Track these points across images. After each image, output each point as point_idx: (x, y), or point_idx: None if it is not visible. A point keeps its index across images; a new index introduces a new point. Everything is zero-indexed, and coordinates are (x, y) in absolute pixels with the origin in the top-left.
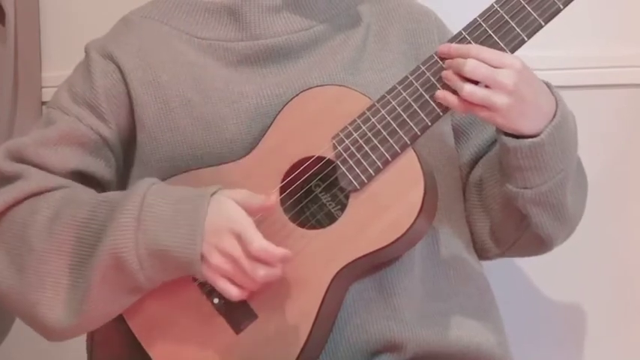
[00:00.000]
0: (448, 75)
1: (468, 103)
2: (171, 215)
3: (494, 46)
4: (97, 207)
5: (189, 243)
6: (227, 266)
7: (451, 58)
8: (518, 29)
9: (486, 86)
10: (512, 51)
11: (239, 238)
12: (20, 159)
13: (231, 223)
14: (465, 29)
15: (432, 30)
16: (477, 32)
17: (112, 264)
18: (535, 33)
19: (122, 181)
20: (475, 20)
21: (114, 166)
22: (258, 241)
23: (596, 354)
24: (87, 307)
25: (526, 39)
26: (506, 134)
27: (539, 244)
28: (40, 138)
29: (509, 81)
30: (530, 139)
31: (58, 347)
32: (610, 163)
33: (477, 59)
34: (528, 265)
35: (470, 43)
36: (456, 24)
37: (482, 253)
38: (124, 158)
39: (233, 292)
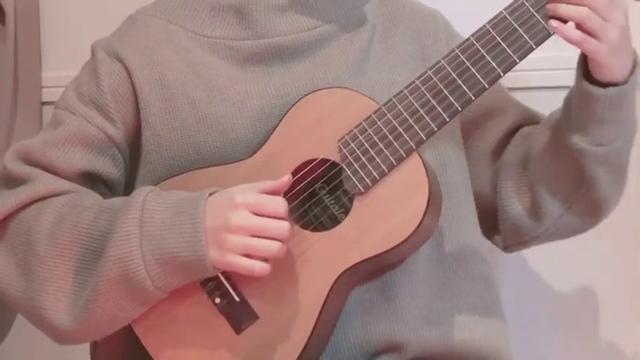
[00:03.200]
0: (551, 6)
1: (584, 34)
2: (172, 219)
3: (502, 52)
4: (100, 214)
5: (194, 241)
6: (245, 240)
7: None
8: (526, 37)
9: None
10: (520, 59)
11: (248, 206)
12: (29, 161)
13: (234, 200)
14: (472, 35)
15: (438, 30)
16: (484, 38)
17: (119, 272)
18: (544, 41)
19: (130, 181)
20: (483, 26)
21: (121, 165)
22: (268, 196)
23: (599, 352)
24: (91, 313)
25: (534, 47)
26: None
27: (590, 215)
28: (48, 139)
29: (621, 19)
30: (617, 87)
31: (59, 346)
32: None
33: None
34: (533, 261)
35: (478, 49)
36: (458, 25)
37: (520, 237)
38: (132, 157)
39: (259, 267)
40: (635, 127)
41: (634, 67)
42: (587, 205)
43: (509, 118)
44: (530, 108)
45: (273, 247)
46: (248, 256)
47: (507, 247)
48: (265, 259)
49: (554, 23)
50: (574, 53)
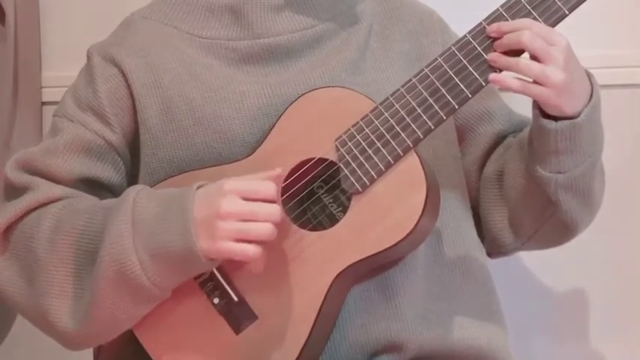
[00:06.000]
0: (494, 57)
1: (524, 81)
2: (162, 213)
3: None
4: (93, 215)
5: (184, 232)
6: (236, 225)
7: (501, 35)
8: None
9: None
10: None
11: (238, 192)
12: (29, 170)
13: (223, 187)
14: (469, 32)
15: (435, 30)
16: (481, 36)
17: (115, 271)
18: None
19: (131, 184)
20: (480, 24)
21: (122, 169)
22: (255, 180)
23: (597, 352)
24: (93, 316)
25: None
26: (544, 117)
27: (563, 233)
28: (47, 147)
29: (561, 56)
30: (569, 120)
31: (59, 346)
32: (610, 163)
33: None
34: (530, 261)
35: (475, 46)
36: (456, 23)
37: (499, 248)
38: (132, 161)
39: (252, 250)
40: (598, 153)
41: (591, 96)
42: (557, 225)
43: (497, 126)
44: (518, 114)
45: (265, 229)
46: (241, 241)
47: (489, 255)
48: (257, 243)
49: (492, 76)
50: (582, 53)
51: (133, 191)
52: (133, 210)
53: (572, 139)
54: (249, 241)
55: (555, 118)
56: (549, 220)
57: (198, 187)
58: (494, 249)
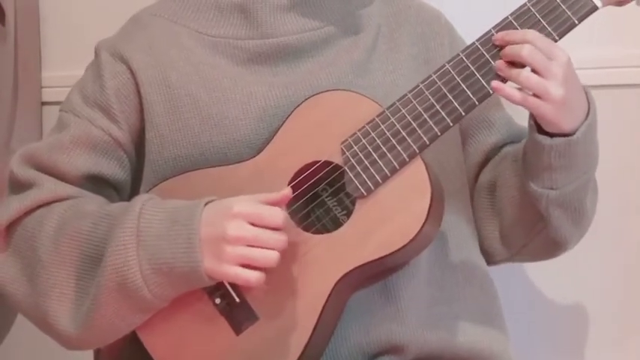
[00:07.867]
0: (500, 65)
1: (524, 94)
2: (167, 228)
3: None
4: (99, 221)
5: (189, 252)
6: (242, 250)
7: (505, 44)
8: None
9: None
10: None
11: (246, 216)
12: (35, 165)
13: (232, 210)
14: (477, 40)
15: (442, 33)
16: (490, 43)
17: (117, 282)
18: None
19: (136, 182)
20: (489, 31)
21: (127, 166)
22: (267, 207)
23: (597, 358)
24: (93, 321)
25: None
26: (539, 132)
27: (552, 248)
28: (53, 142)
29: (560, 72)
30: (565, 138)
31: (59, 346)
32: (610, 164)
33: (533, 45)
34: (531, 267)
35: (483, 54)
36: (461, 26)
37: (489, 258)
38: (137, 158)
39: (255, 277)
40: (591, 170)
41: (588, 114)
42: (547, 240)
43: (495, 135)
44: (518, 125)
45: (270, 256)
46: (245, 266)
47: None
48: (261, 269)
49: (495, 84)
50: (573, 55)
51: (139, 201)
52: (138, 221)
53: (566, 156)
54: (254, 267)
55: (551, 135)
56: (539, 235)
57: (207, 203)
58: (487, 258)
